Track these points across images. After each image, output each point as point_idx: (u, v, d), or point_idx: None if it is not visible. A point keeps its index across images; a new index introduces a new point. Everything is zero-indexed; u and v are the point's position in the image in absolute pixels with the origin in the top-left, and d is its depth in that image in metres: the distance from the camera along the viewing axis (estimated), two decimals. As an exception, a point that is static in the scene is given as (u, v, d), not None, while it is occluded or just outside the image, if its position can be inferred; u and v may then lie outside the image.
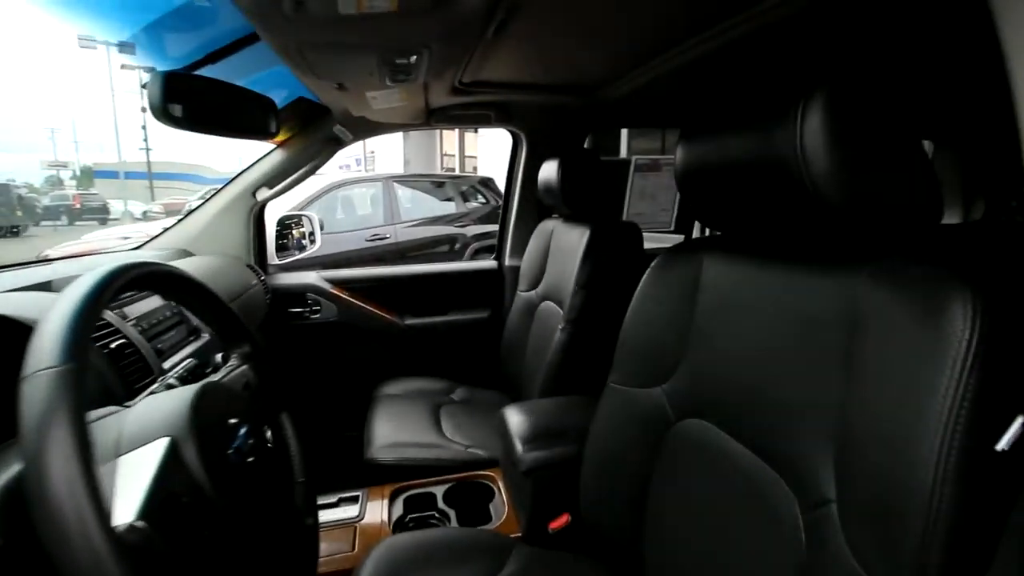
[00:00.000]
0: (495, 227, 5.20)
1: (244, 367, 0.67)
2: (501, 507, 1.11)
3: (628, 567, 0.83)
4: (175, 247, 1.55)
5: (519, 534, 1.02)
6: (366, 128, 1.55)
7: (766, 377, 0.61)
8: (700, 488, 0.69)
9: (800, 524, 0.54)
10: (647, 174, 1.86)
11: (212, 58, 0.90)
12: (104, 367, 0.71)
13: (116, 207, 17.24)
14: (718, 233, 0.81)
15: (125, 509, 0.39)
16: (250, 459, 0.54)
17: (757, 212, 0.63)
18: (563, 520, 0.96)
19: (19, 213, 13.18)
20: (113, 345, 0.75)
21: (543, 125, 1.66)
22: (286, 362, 1.75)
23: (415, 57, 0.85)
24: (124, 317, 0.84)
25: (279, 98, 1.32)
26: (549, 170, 1.39)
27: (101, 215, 16.27)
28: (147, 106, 0.73)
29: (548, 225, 1.60)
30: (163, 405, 0.49)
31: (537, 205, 1.80)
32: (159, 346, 0.85)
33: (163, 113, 0.70)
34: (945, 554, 0.40)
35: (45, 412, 0.34)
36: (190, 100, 0.73)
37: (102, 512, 0.34)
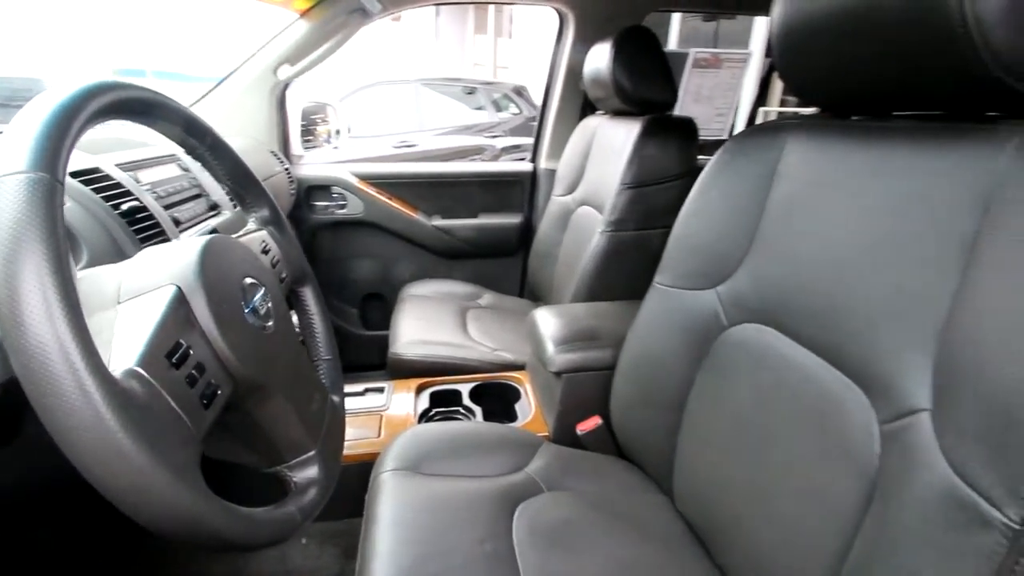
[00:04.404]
0: (526, 140, 4.97)
1: (263, 231, 0.61)
2: (528, 408, 1.09)
3: (658, 472, 0.81)
4: (196, 128, 1.48)
5: (546, 434, 1.00)
6: (396, -4, 1.38)
7: (852, 271, 0.52)
8: (748, 395, 0.64)
9: (875, 435, 0.48)
10: (706, 71, 1.66)
11: None
12: (116, 226, 0.66)
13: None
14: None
15: (123, 355, 0.34)
16: (268, 324, 0.49)
17: (874, 71, 0.52)
18: (593, 423, 0.93)
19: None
20: (125, 206, 0.70)
21: (595, 1, 1.46)
22: (308, 256, 1.72)
23: None
24: (137, 181, 0.78)
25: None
26: (599, 55, 1.23)
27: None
28: None
29: (591, 123, 1.46)
30: (169, 253, 0.43)
31: (581, 101, 1.64)
32: (176, 215, 0.80)
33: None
34: None
35: (15, 224, 0.28)
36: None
37: (91, 348, 0.29)
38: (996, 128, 0.44)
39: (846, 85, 0.57)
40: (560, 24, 1.58)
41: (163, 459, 0.31)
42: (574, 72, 1.56)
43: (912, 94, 0.51)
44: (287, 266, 0.63)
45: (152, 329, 0.36)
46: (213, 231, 0.62)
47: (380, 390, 1.12)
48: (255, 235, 0.59)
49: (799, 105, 4.22)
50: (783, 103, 4.42)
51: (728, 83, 1.65)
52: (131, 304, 0.39)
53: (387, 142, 4.60)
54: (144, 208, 0.73)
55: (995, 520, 0.36)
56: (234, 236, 0.56)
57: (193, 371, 0.38)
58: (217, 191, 0.96)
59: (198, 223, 0.85)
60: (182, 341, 0.38)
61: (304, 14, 1.38)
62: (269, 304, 0.50)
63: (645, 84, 1.19)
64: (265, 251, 0.59)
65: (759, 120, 1.80)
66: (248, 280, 0.48)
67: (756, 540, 0.60)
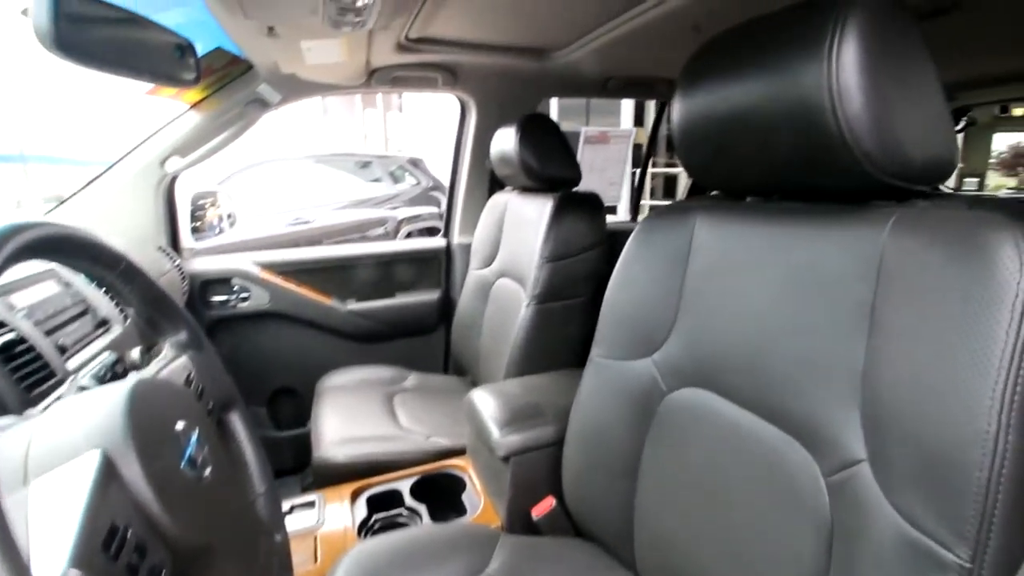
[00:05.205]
0: (426, 209, 5.01)
1: (182, 358, 0.54)
2: (476, 498, 1.04)
3: (619, 546, 0.80)
4: (66, 228, 1.31)
5: (499, 524, 0.96)
6: (296, 88, 1.37)
7: (773, 336, 0.58)
8: (697, 457, 0.66)
9: (822, 487, 0.51)
10: (596, 146, 1.83)
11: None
12: (-13, 369, 0.55)
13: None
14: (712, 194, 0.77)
15: (51, 556, 0.28)
16: (206, 472, 0.43)
17: (767, 165, 0.60)
18: (547, 505, 0.90)
19: None
20: (-2, 341, 0.59)
21: (494, 91, 1.56)
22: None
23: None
24: (11, 308, 0.66)
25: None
26: (505, 138, 1.31)
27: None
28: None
29: (501, 199, 1.52)
30: (85, 410, 0.37)
31: (488, 178, 1.71)
32: (61, 342, 0.69)
33: (54, 41, 0.53)
34: (1011, 499, 0.38)
35: None
36: (87, 28, 0.57)
37: (19, 564, 0.23)
38: (875, 209, 0.52)
39: (740, 175, 0.65)
40: (462, 109, 1.66)
41: None
42: (480, 151, 1.64)
43: (799, 185, 0.59)
44: (213, 392, 0.57)
45: (81, 515, 0.30)
46: (116, 361, 0.54)
47: (310, 504, 1.01)
48: (175, 364, 0.53)
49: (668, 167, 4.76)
50: (654, 164, 4.96)
51: (616, 156, 1.83)
52: (45, 481, 0.32)
53: (281, 220, 4.41)
54: (22, 340, 0.62)
55: (949, 561, 0.39)
56: (153, 371, 0.49)
57: (133, 555, 0.31)
58: (105, 305, 0.84)
59: (86, 345, 0.74)
60: (117, 522, 0.32)
61: (195, 106, 1.32)
62: (205, 449, 0.44)
63: (552, 164, 1.27)
64: (188, 381, 0.52)
65: (646, 187, 2.00)
66: (180, 425, 0.42)
67: None
